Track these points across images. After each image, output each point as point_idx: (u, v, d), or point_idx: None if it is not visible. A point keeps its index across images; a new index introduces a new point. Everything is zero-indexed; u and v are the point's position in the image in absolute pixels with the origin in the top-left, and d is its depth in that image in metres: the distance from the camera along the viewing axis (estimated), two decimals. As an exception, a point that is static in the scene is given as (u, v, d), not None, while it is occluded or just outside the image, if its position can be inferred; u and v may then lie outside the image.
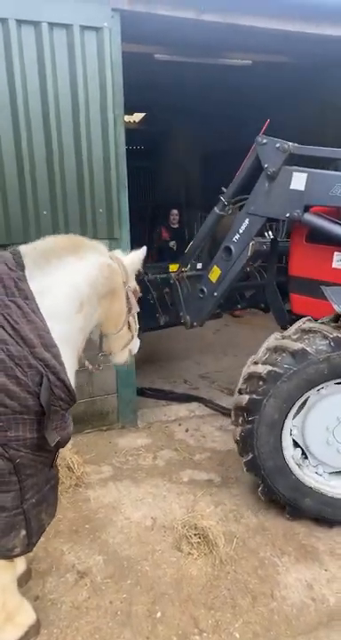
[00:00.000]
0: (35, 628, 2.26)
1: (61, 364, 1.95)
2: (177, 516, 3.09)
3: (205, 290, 3.90)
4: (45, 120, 3.35)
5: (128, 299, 2.42)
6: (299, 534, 2.95)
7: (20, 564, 2.49)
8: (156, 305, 4.41)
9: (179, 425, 4.30)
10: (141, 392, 4.72)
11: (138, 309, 2.50)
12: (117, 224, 3.68)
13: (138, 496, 3.29)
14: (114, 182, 3.63)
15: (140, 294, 2.59)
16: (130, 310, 2.45)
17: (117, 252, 2.45)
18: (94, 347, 2.50)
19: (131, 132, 15.50)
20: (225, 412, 4.49)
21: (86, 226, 3.59)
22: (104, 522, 3.03)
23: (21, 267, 1.99)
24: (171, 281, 4.32)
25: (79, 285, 2.11)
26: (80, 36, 3.30)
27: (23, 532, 2.02)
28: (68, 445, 3.79)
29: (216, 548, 2.77)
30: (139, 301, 2.61)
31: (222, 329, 7.54)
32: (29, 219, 3.42)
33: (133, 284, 2.48)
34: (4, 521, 1.93)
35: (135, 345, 2.67)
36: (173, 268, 4.53)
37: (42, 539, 2.79)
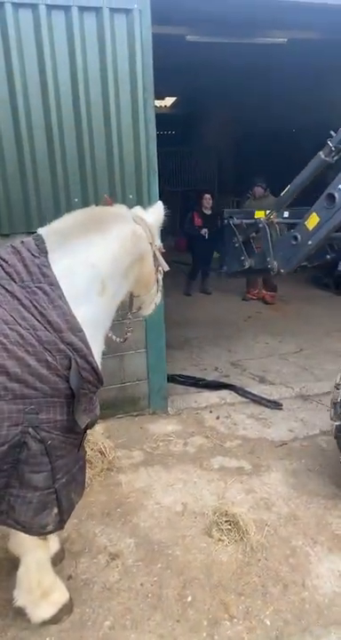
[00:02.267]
0: (68, 607, 2.32)
1: (88, 347, 1.97)
2: (207, 502, 3.09)
3: (299, 237, 3.73)
4: (75, 105, 3.34)
5: (156, 258, 2.41)
6: (332, 524, 2.91)
7: (54, 544, 2.55)
8: (242, 248, 4.37)
9: (210, 412, 4.28)
10: (172, 379, 4.72)
11: (167, 267, 2.48)
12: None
13: (168, 481, 3.31)
14: (145, 167, 3.60)
15: (163, 250, 2.53)
16: (157, 268, 2.45)
17: (139, 211, 2.40)
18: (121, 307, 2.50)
19: (163, 117, 15.38)
20: (256, 400, 4.45)
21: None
22: (135, 506, 3.07)
23: (44, 252, 2.00)
24: (260, 225, 4.20)
25: (100, 265, 2.10)
26: (110, 19, 3.26)
27: (55, 510, 2.06)
28: (100, 430, 3.90)
29: (246, 536, 2.76)
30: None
31: (254, 316, 7.45)
32: (61, 206, 3.44)
33: (158, 241, 2.45)
34: (37, 499, 1.98)
35: (159, 297, 2.67)
36: (259, 214, 4.47)
37: (74, 520, 2.88)
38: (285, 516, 2.99)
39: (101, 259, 2.11)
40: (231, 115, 13.75)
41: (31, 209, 3.40)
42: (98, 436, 3.51)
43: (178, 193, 14.73)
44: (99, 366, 2.13)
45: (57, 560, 2.57)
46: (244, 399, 4.52)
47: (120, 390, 4.07)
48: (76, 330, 1.95)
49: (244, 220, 4.36)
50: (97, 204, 3.48)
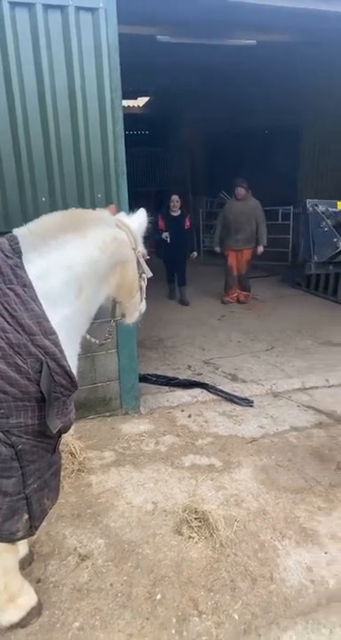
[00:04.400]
0: (36, 610, 2.30)
1: (61, 350, 1.94)
2: (178, 500, 3.11)
3: None
4: (41, 103, 3.30)
5: (139, 264, 2.39)
6: (300, 518, 2.96)
7: (22, 548, 2.52)
8: (333, 231, 4.43)
9: (182, 411, 4.31)
10: (145, 379, 4.73)
11: (151, 274, 2.48)
12: (117, 210, 3.65)
13: (139, 481, 3.32)
14: (113, 167, 3.59)
15: (148, 257, 2.53)
16: (141, 275, 2.44)
17: (123, 217, 2.38)
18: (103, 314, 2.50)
19: (135, 117, 15.44)
20: (227, 398, 4.49)
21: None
22: (106, 506, 3.06)
23: (18, 253, 1.96)
24: None
25: (76, 268, 2.06)
26: (75, 17, 3.24)
27: (25, 517, 2.04)
28: (71, 431, 3.84)
29: (216, 532, 2.78)
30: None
31: (227, 315, 7.53)
32: (28, 205, 3.41)
33: (141, 247, 2.43)
34: (7, 505, 1.95)
35: (143, 305, 2.66)
36: None
37: (44, 523, 2.83)
38: (254, 511, 3.03)
39: (78, 261, 2.07)
40: (203, 115, 13.84)
41: (-2, 209, 3.36)
42: (68, 437, 3.48)
43: (151, 193, 14.75)
44: (75, 369, 2.12)
45: (25, 563, 2.55)
46: (216, 397, 4.56)
47: (91, 391, 4.05)
48: (49, 333, 1.91)
49: (330, 208, 4.46)
50: (64, 203, 3.50)
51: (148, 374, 4.87)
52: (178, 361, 5.52)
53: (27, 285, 1.92)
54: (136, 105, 15.79)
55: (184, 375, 5.05)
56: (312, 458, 3.60)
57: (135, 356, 4.13)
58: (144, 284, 2.53)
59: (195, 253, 8.25)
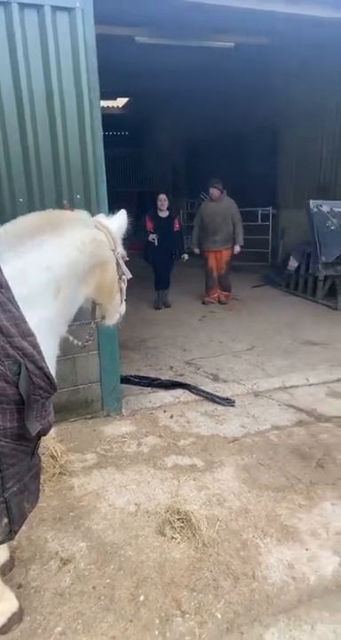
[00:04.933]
0: (17, 616, 2.27)
1: (40, 352, 1.93)
2: (160, 501, 3.10)
3: None
4: (18, 104, 3.27)
5: (119, 266, 2.39)
6: (281, 516, 2.99)
7: (3, 553, 2.49)
8: (340, 230, 4.44)
9: (164, 412, 4.30)
10: (127, 380, 4.71)
11: (130, 275, 2.48)
12: (96, 210, 3.63)
13: (122, 483, 3.30)
14: (92, 167, 3.57)
15: (127, 259, 2.53)
16: (121, 277, 2.44)
17: (101, 218, 2.38)
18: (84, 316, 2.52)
19: (115, 118, 15.42)
20: (209, 398, 4.50)
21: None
22: (88, 509, 3.04)
23: None
24: None
25: (54, 268, 2.05)
26: (51, 17, 3.22)
27: (5, 521, 2.01)
28: (52, 434, 3.83)
29: (199, 532, 2.79)
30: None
31: (208, 315, 7.57)
32: (5, 206, 3.37)
33: (121, 249, 2.44)
34: None
35: (123, 307, 2.67)
36: None
37: (24, 527, 2.82)
38: (236, 510, 3.05)
39: (56, 262, 2.07)
40: (183, 116, 13.89)
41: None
42: (49, 440, 3.45)
43: (132, 194, 14.73)
44: (53, 371, 2.11)
45: (6, 569, 2.51)
46: (198, 397, 4.57)
47: (72, 393, 4.02)
48: (27, 334, 1.89)
49: (335, 208, 4.48)
50: (42, 204, 3.47)
51: (131, 375, 4.86)
52: (160, 362, 5.52)
53: (3, 286, 1.89)
54: (115, 105, 15.75)
55: (166, 376, 5.05)
56: (293, 456, 3.63)
57: (117, 357, 4.11)
58: (124, 286, 2.54)
59: (186, 256, 7.83)
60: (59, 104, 3.39)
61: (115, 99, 14.87)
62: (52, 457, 3.36)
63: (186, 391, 4.64)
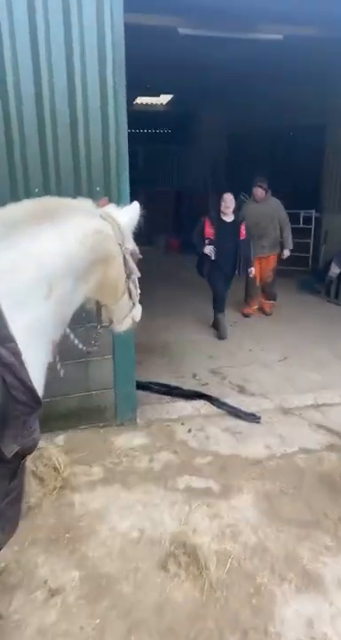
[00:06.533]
0: None
1: (21, 361, 1.66)
2: (167, 528, 2.79)
3: None
4: (37, 86, 3.03)
5: (126, 263, 2.10)
6: (303, 558, 2.61)
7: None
8: None
9: (182, 424, 3.98)
10: (144, 386, 4.42)
11: (139, 274, 2.18)
12: (116, 204, 3.35)
13: (127, 503, 3.01)
14: (114, 157, 3.30)
15: (140, 256, 2.25)
16: (129, 276, 2.14)
17: (111, 209, 2.10)
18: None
19: (158, 115, 15.16)
20: (232, 412, 4.15)
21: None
22: (86, 531, 2.76)
23: None
24: None
25: (48, 263, 1.78)
26: (77, 3, 2.97)
27: None
28: (60, 442, 3.59)
29: (206, 570, 2.46)
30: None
31: (239, 321, 7.16)
32: (19, 198, 3.13)
33: (131, 244, 2.15)
34: None
35: (137, 312, 2.37)
36: None
37: (15, 547, 2.57)
38: (252, 546, 2.69)
39: (51, 255, 1.79)
40: (225, 112, 13.49)
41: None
42: (52, 450, 3.20)
43: (169, 193, 14.46)
44: (41, 380, 1.85)
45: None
46: (220, 410, 4.22)
47: (84, 399, 3.76)
48: (6, 340, 1.63)
49: None
50: (59, 196, 3.22)
51: (149, 382, 4.56)
52: (182, 368, 5.20)
53: None
54: (159, 102, 15.50)
55: (188, 385, 4.72)
56: (321, 486, 3.24)
57: (132, 362, 3.82)
58: (134, 287, 2.24)
59: (253, 270, 6.44)
60: (81, 87, 3.13)
61: (159, 95, 14.60)
62: (55, 469, 3.10)
63: (208, 403, 4.29)
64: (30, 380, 1.68)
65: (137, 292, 2.27)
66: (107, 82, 3.17)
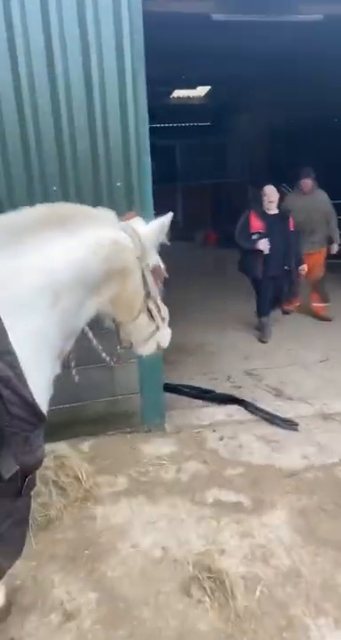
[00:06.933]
0: None
1: (20, 375, 1.53)
2: (193, 546, 2.60)
3: None
4: (51, 73, 2.89)
5: (145, 280, 1.95)
6: (342, 587, 2.35)
7: (-3, 598, 2.14)
8: None
9: (213, 431, 3.76)
10: (174, 389, 4.24)
11: (157, 294, 2.02)
12: (138, 199, 3.19)
13: (151, 518, 2.83)
14: (134, 149, 3.12)
15: (166, 275, 2.10)
16: (148, 294, 1.98)
17: (135, 221, 1.97)
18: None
19: (196, 108, 14.89)
20: (267, 419, 3.89)
21: (102, 203, 3.12)
22: (106, 548, 2.61)
23: None
24: None
25: (55, 271, 1.67)
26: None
27: None
28: (85, 448, 3.47)
29: (233, 598, 2.25)
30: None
31: (280, 318, 6.80)
32: (35, 195, 3.02)
33: (153, 260, 2.00)
34: None
35: (163, 336, 2.18)
36: None
37: (33, 563, 2.46)
38: (285, 571, 2.46)
39: (59, 263, 1.69)
40: (266, 103, 13.04)
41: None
42: (75, 459, 3.08)
43: (208, 186, 14.19)
44: (45, 395, 1.71)
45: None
46: (255, 417, 3.97)
47: (110, 404, 3.62)
48: (4, 352, 1.50)
49: None
50: (78, 193, 3.09)
51: (180, 385, 4.37)
52: (216, 369, 4.98)
53: None
54: (195, 95, 15.22)
55: (221, 387, 4.50)
56: (364, 502, 2.95)
57: (160, 366, 3.64)
58: (155, 307, 2.04)
59: (305, 267, 5.94)
60: (98, 73, 2.96)
61: (196, 87, 14.32)
62: (77, 479, 2.97)
63: (242, 408, 4.05)
64: (30, 394, 1.56)
65: (160, 313, 2.08)
66: (125, 70, 2.99)
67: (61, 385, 2.86)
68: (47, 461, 2.97)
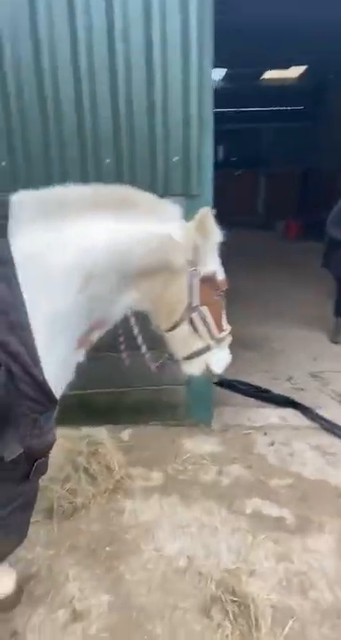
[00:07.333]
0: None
1: (33, 353, 1.43)
2: (221, 561, 2.35)
3: None
4: (110, 35, 2.70)
5: (190, 288, 1.74)
6: None
7: (7, 584, 2.06)
8: None
9: (264, 434, 3.45)
10: (228, 384, 3.96)
11: (198, 303, 1.76)
12: (195, 176, 2.93)
13: (182, 521, 2.62)
14: (195, 122, 2.85)
15: (224, 286, 1.85)
16: (192, 306, 1.76)
17: (200, 221, 1.71)
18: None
19: (288, 89, 14.11)
20: (327, 428, 3.50)
21: (156, 178, 2.91)
22: (130, 548, 2.44)
23: (3, 218, 1.48)
24: None
25: (89, 250, 1.54)
26: None
27: None
28: (126, 437, 3.33)
29: (257, 629, 1.98)
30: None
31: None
32: (87, 168, 2.87)
33: (209, 267, 1.77)
34: None
35: (216, 359, 1.92)
36: None
37: (51, 551, 2.37)
38: (325, 608, 2.13)
39: (99, 243, 1.56)
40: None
41: (53, 170, 2.88)
42: (110, 447, 2.94)
43: (295, 172, 13.45)
44: (60, 378, 1.61)
45: (8, 606, 2.07)
46: (314, 424, 3.59)
47: (154, 393, 3.43)
48: (19, 327, 1.41)
49: None
50: (132, 167, 2.90)
51: (235, 380, 4.08)
52: (278, 368, 4.61)
53: (2, 261, 1.42)
54: (288, 76, 14.41)
55: (280, 388, 4.14)
56: None
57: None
58: (200, 322, 1.80)
59: None
60: (159, 38, 2.72)
61: (288, 68, 13.53)
62: (108, 468, 2.83)
63: (300, 413, 3.69)
64: (41, 373, 1.46)
65: (211, 330, 1.83)
66: (190, 46, 2.72)
67: (105, 369, 2.71)
68: (81, 446, 2.88)
